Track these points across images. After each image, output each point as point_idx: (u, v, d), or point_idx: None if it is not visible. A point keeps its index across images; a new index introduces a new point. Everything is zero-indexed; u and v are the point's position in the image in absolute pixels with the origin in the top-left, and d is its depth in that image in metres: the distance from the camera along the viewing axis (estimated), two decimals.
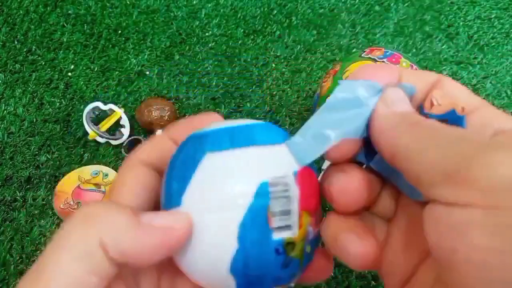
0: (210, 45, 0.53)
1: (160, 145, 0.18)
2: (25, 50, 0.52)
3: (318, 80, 0.50)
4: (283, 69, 0.51)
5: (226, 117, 0.47)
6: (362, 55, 0.40)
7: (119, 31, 0.54)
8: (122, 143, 0.45)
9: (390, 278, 0.16)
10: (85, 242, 0.13)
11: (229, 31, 0.54)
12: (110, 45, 0.52)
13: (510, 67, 0.51)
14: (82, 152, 0.45)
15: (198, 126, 0.17)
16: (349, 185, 0.15)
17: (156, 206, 0.17)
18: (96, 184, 0.42)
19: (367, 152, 0.16)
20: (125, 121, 0.45)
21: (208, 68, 0.51)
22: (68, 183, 0.42)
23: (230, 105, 0.48)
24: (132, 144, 0.44)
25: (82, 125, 0.45)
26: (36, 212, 0.41)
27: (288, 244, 0.14)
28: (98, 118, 0.46)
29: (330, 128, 0.15)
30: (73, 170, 0.43)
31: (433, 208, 0.12)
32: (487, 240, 0.10)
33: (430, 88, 0.16)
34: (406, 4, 0.57)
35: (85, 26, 0.54)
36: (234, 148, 0.15)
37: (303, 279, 0.17)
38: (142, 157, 0.18)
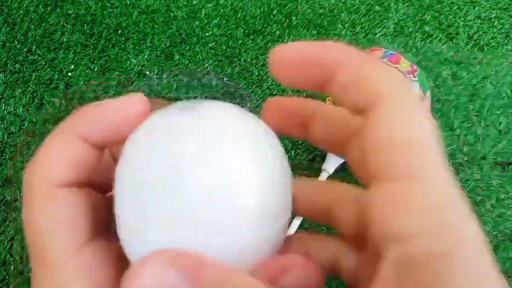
0: (210, 45, 0.53)
1: (70, 152, 0.14)
2: (25, 50, 0.52)
3: None
4: None
5: None
6: None
7: (119, 31, 0.54)
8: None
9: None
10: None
11: (229, 31, 0.54)
12: (110, 45, 0.52)
13: (510, 67, 0.51)
14: None
15: (115, 118, 0.15)
16: None
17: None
18: None
19: None
20: None
21: (208, 68, 0.51)
22: None
23: None
24: None
25: None
26: None
27: None
28: None
29: None
30: None
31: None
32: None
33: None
34: (406, 4, 0.57)
35: (85, 26, 0.54)
36: None
37: None
38: (50, 177, 0.14)
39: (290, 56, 0.15)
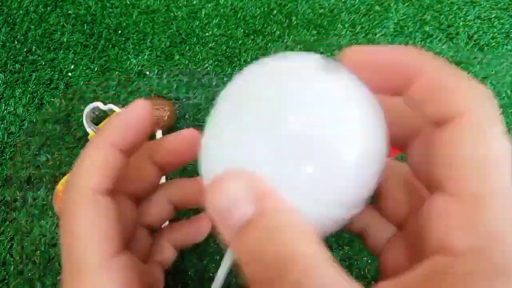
0: (210, 45, 0.53)
1: (107, 161, 0.16)
2: (25, 50, 0.52)
3: None
4: None
5: None
6: None
7: (119, 31, 0.54)
8: None
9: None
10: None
11: (229, 31, 0.54)
12: (110, 45, 0.52)
13: (510, 67, 0.51)
14: None
15: (133, 123, 0.16)
16: None
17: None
18: None
19: None
20: None
21: (208, 68, 0.51)
22: None
23: None
24: None
25: (82, 125, 0.45)
26: (36, 212, 0.41)
27: None
28: (98, 118, 0.46)
29: None
30: None
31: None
32: None
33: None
34: (406, 4, 0.57)
35: (85, 26, 0.54)
36: None
37: None
38: (92, 185, 0.15)
39: (366, 59, 0.14)
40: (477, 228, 0.11)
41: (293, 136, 0.13)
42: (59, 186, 0.42)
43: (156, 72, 0.50)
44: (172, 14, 0.55)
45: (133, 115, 0.16)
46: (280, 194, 0.13)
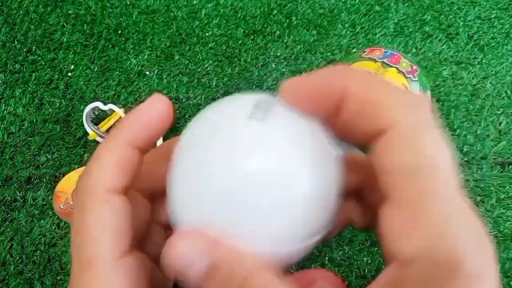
0: (210, 45, 0.53)
1: (122, 159, 0.16)
2: (25, 50, 0.52)
3: None
4: (283, 69, 0.51)
5: None
6: (362, 55, 0.40)
7: (119, 31, 0.54)
8: None
9: None
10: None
11: (229, 31, 0.54)
12: (110, 45, 0.52)
13: (510, 67, 0.51)
14: (82, 152, 0.45)
15: (150, 119, 0.16)
16: None
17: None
18: None
19: None
20: None
21: (208, 68, 0.51)
22: (68, 183, 0.42)
23: None
24: None
25: (82, 125, 0.45)
26: (36, 212, 0.41)
27: None
28: (98, 118, 0.46)
29: None
30: (73, 170, 0.43)
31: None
32: None
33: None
34: (406, 4, 0.57)
35: (85, 26, 0.54)
36: None
37: None
38: (105, 183, 0.15)
39: (300, 90, 0.15)
40: (419, 233, 0.12)
41: (241, 181, 0.14)
42: (59, 186, 0.42)
43: (156, 72, 0.50)
44: (172, 14, 0.55)
45: (151, 111, 0.16)
46: (231, 240, 0.14)
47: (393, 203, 0.13)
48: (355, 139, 0.15)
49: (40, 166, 0.44)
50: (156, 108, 0.16)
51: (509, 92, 0.49)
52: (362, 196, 0.18)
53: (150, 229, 0.18)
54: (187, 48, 0.52)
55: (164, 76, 0.50)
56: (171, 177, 0.15)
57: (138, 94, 0.49)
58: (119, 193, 0.15)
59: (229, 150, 0.14)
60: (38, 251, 0.39)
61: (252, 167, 0.14)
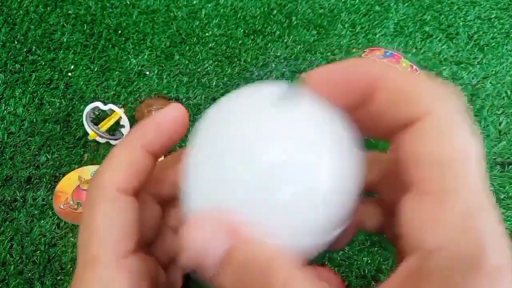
0: (210, 45, 0.53)
1: (135, 164, 0.16)
2: (25, 50, 0.52)
3: None
4: (283, 69, 0.51)
5: None
6: (362, 55, 0.40)
7: (119, 31, 0.54)
8: None
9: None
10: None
11: (229, 31, 0.54)
12: (110, 45, 0.52)
13: (510, 67, 0.51)
14: (82, 152, 0.45)
15: (167, 125, 0.16)
16: None
17: (139, 240, 0.16)
18: None
19: None
20: (125, 121, 0.45)
21: (208, 68, 0.51)
22: (68, 183, 0.42)
23: None
24: None
25: (82, 125, 0.45)
26: (36, 212, 0.41)
27: None
28: (98, 118, 0.46)
29: None
30: (73, 170, 0.43)
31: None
32: None
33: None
34: (406, 4, 0.57)
35: (85, 26, 0.54)
36: None
37: None
38: (116, 183, 0.15)
39: (328, 78, 0.15)
40: (445, 224, 0.11)
41: (263, 171, 0.13)
42: (59, 187, 0.42)
43: (156, 72, 0.50)
44: (172, 14, 0.55)
45: (167, 118, 0.17)
46: (253, 228, 0.13)
47: (418, 194, 0.12)
48: (380, 132, 0.14)
49: (40, 166, 0.44)
50: (172, 116, 0.17)
51: (509, 92, 0.49)
52: (379, 195, 0.17)
53: (161, 234, 0.18)
54: (187, 48, 0.52)
55: (164, 76, 0.50)
56: (189, 164, 0.15)
57: (138, 94, 0.49)
58: (128, 194, 0.16)
59: (251, 138, 0.14)
60: (38, 251, 0.39)
61: (274, 157, 0.13)
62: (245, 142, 0.14)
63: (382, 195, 0.17)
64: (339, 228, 0.15)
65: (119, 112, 0.45)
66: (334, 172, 0.14)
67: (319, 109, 0.15)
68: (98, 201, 0.15)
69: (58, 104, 0.48)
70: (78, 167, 0.43)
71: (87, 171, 0.42)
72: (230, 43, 0.53)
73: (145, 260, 0.16)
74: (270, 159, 0.13)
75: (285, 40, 0.53)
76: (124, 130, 0.45)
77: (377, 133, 0.15)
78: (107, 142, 0.45)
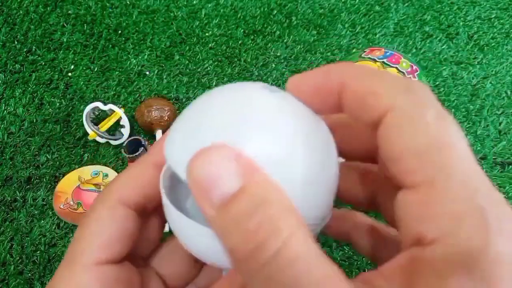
0: (210, 45, 0.53)
1: (142, 178, 0.16)
2: (25, 50, 0.52)
3: None
4: (283, 69, 0.51)
5: None
6: (362, 55, 0.40)
7: (119, 31, 0.54)
8: (122, 143, 0.45)
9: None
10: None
11: (229, 31, 0.54)
12: (110, 45, 0.52)
13: (510, 67, 0.51)
14: (82, 152, 0.45)
15: None
16: None
17: (132, 253, 0.16)
18: (96, 184, 0.42)
19: None
20: (125, 121, 0.45)
21: (208, 68, 0.51)
22: (68, 183, 0.42)
23: None
24: (132, 144, 0.44)
25: (82, 125, 0.45)
26: (36, 212, 0.41)
27: None
28: (98, 118, 0.46)
29: None
30: (73, 170, 0.43)
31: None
32: None
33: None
34: (406, 4, 0.57)
35: (85, 26, 0.54)
36: None
37: None
38: (120, 194, 0.16)
39: (302, 86, 0.15)
40: (440, 213, 0.11)
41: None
42: (59, 187, 0.42)
43: (156, 72, 0.50)
44: (172, 14, 0.55)
45: None
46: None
47: (408, 188, 0.12)
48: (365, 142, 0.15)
49: (40, 166, 0.44)
50: None
51: (509, 92, 0.49)
52: (377, 209, 0.17)
53: (163, 249, 0.18)
54: (187, 48, 0.52)
55: (164, 76, 0.50)
56: (171, 130, 0.15)
57: (138, 94, 0.49)
58: (128, 207, 0.16)
59: (232, 114, 0.14)
60: (38, 251, 0.39)
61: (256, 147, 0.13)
62: (224, 115, 0.14)
63: (381, 207, 0.17)
64: (316, 225, 0.15)
65: (119, 112, 0.45)
66: (312, 163, 0.14)
67: (301, 104, 0.15)
68: (98, 206, 0.16)
69: (58, 104, 0.48)
70: (78, 167, 0.43)
71: (87, 171, 0.42)
72: (230, 43, 0.53)
73: (128, 272, 0.16)
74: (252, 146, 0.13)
75: (285, 40, 0.53)
76: (124, 130, 0.45)
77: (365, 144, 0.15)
78: (107, 142, 0.45)
